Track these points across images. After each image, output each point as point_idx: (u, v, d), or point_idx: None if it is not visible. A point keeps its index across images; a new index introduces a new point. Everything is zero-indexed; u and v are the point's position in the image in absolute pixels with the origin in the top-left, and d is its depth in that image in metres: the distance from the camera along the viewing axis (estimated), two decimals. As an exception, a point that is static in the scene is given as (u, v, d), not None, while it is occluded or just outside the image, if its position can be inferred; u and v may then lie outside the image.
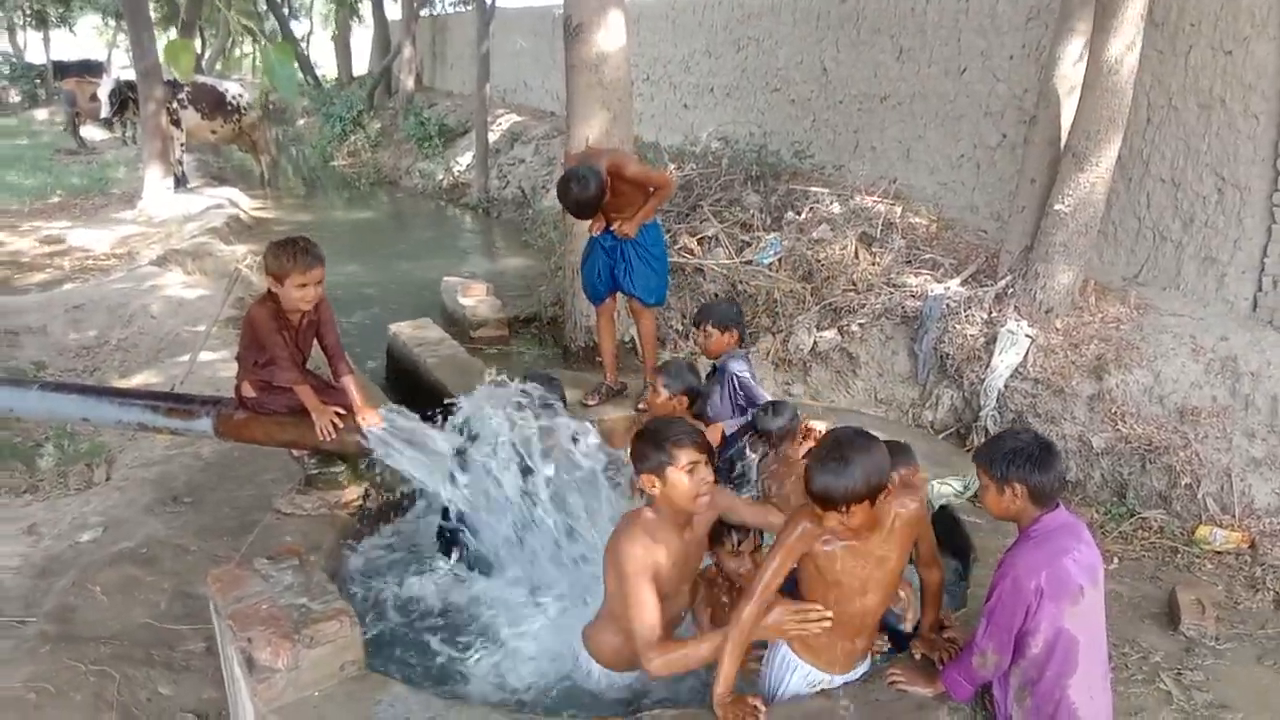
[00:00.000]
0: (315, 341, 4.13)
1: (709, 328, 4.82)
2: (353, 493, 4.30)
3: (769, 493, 4.45)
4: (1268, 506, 5.08)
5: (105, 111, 15.32)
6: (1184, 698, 3.86)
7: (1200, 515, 5.16)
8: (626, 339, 6.96)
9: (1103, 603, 2.79)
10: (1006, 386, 6.03)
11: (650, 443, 3.09)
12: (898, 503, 2.91)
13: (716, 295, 7.66)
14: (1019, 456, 2.73)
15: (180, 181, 13.78)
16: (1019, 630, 2.70)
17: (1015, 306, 6.27)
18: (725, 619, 3.20)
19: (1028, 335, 6.08)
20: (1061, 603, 2.65)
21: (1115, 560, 4.92)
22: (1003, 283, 6.47)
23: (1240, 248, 5.83)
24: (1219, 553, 4.94)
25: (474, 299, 8.58)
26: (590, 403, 5.52)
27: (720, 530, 3.45)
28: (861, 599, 2.94)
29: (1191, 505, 5.20)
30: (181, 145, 14.24)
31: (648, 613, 3.02)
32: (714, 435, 4.50)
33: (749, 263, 7.75)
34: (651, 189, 5.25)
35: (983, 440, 5.83)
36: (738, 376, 4.72)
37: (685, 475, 3.02)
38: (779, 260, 7.65)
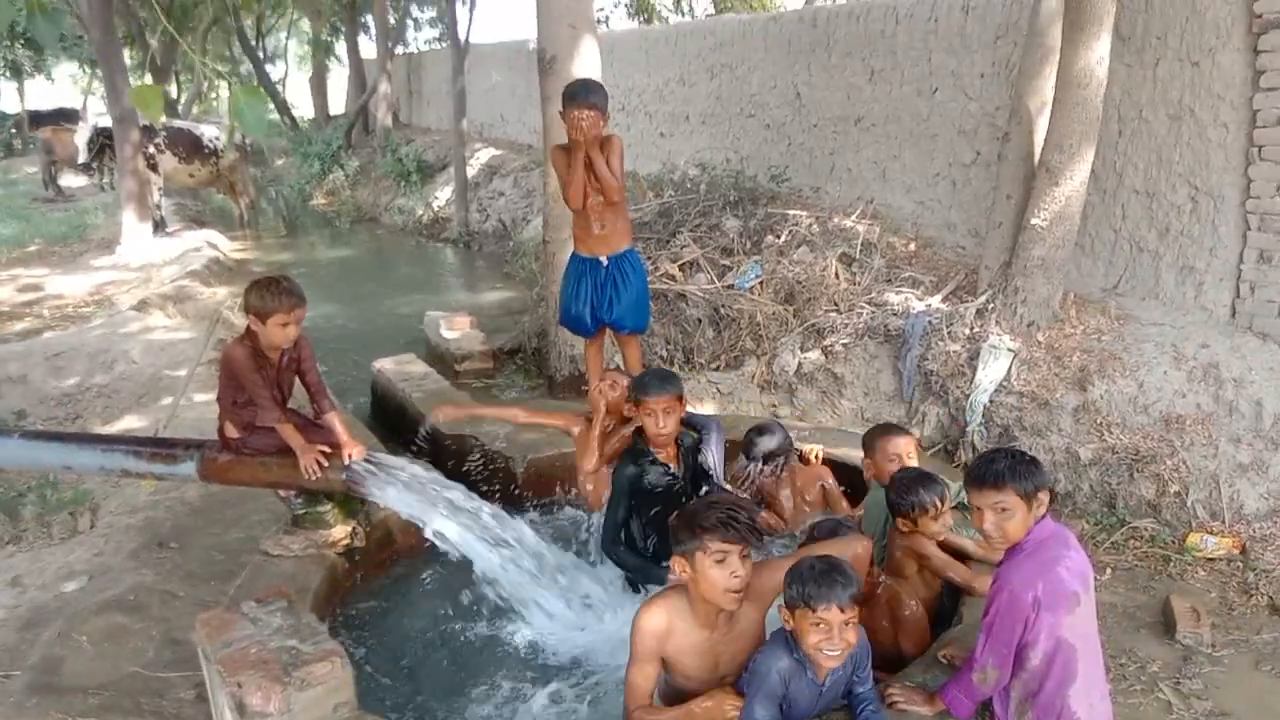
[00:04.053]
0: (298, 380, 4.12)
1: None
2: (340, 532, 4.26)
3: (770, 503, 4.52)
4: (1257, 511, 5.10)
5: (84, 158, 15.31)
6: (1183, 706, 3.85)
7: (1190, 522, 5.17)
8: (611, 366, 6.94)
9: (1095, 609, 2.78)
10: (992, 401, 6.04)
11: (684, 523, 2.94)
12: None
13: (699, 320, 7.68)
14: (1034, 466, 2.72)
15: (159, 225, 13.75)
16: (1018, 643, 2.69)
17: (997, 321, 6.30)
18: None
19: (1010, 349, 6.10)
20: (1059, 612, 2.65)
21: (1108, 570, 4.92)
22: (983, 298, 6.51)
23: (1216, 255, 5.88)
24: (1211, 559, 4.95)
25: (458, 332, 8.57)
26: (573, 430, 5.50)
27: (918, 498, 3.52)
28: None
29: (1181, 513, 5.21)
30: (159, 189, 14.22)
31: (636, 691, 3.03)
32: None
33: (730, 287, 7.77)
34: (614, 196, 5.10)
35: (971, 455, 5.85)
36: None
37: (713, 565, 2.84)
38: (760, 283, 7.67)
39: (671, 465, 4.16)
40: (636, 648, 3.03)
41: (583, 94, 4.78)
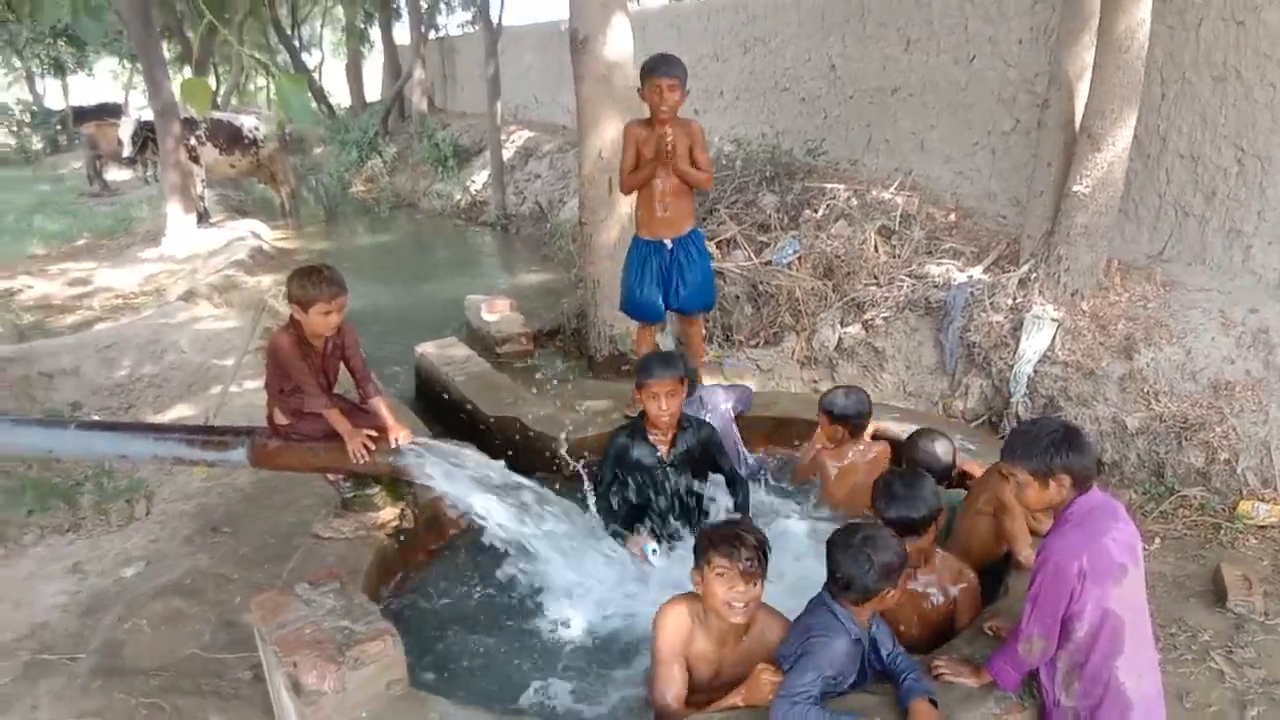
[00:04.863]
0: (343, 366, 4.18)
1: None
2: (389, 514, 4.33)
3: (825, 478, 4.51)
4: (1309, 477, 5.02)
5: (128, 151, 15.53)
6: (1236, 675, 3.82)
7: (1241, 490, 5.10)
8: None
9: (1143, 580, 2.77)
10: (1036, 371, 5.99)
11: (701, 538, 3.13)
12: None
13: (737, 298, 7.67)
14: (1057, 446, 2.71)
15: (202, 217, 13.94)
16: (1064, 614, 2.69)
17: (1040, 290, 6.23)
18: None
19: (1054, 319, 6.04)
20: (1105, 584, 2.64)
21: (1157, 540, 4.88)
22: (1026, 268, 6.43)
23: (1264, 218, 5.77)
24: (1262, 527, 4.89)
25: (498, 315, 8.61)
26: (632, 413, 5.52)
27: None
28: None
29: (1231, 480, 5.15)
30: (202, 181, 14.41)
31: (665, 697, 3.11)
32: None
33: (768, 263, 7.75)
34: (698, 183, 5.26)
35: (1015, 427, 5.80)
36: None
37: (715, 577, 3.01)
38: (798, 259, 7.64)
39: (661, 448, 4.22)
40: (661, 647, 3.14)
41: (664, 65, 4.81)
